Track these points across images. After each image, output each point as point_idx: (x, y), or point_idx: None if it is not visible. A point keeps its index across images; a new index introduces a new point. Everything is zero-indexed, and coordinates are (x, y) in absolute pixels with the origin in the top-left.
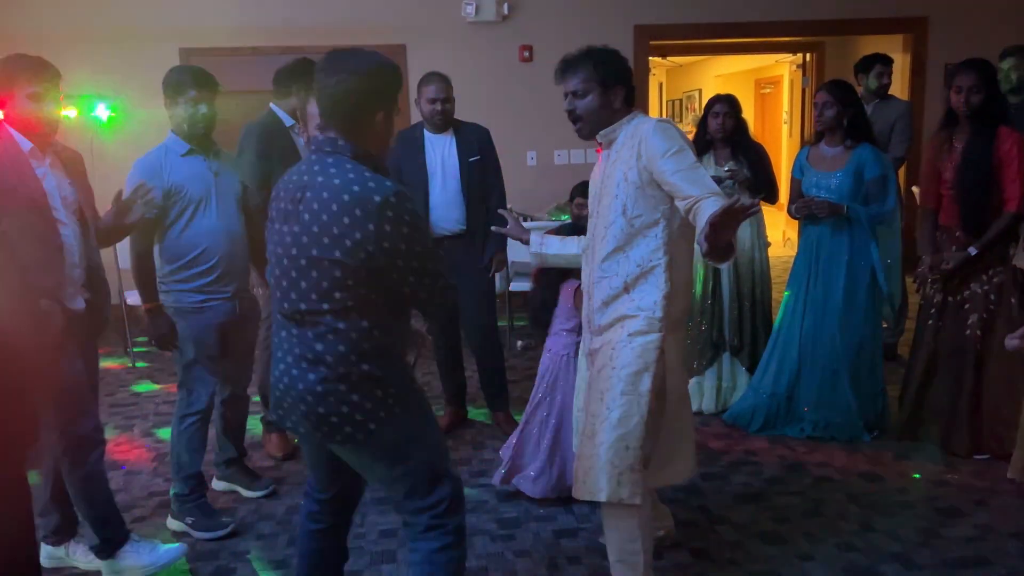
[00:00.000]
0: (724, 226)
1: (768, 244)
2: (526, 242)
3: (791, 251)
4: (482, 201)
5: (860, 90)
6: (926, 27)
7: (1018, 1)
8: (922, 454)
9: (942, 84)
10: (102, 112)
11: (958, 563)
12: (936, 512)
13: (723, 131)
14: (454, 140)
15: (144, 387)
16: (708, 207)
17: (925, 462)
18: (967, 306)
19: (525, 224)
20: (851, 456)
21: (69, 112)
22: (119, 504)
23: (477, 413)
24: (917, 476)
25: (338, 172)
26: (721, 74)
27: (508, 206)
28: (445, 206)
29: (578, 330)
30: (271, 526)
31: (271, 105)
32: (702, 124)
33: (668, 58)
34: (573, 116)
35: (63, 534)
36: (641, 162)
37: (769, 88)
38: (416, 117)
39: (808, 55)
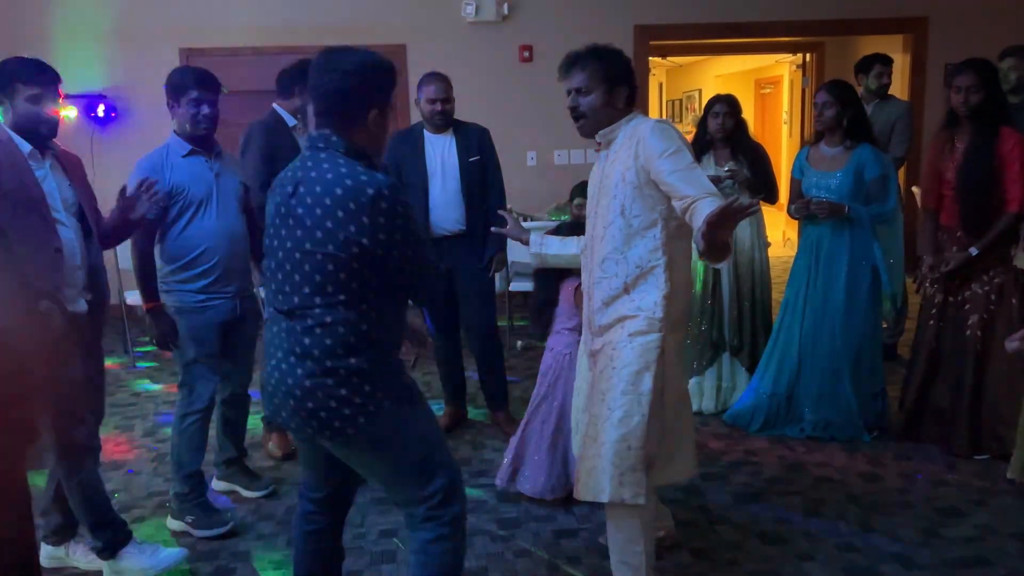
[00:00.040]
0: (721, 226)
1: (768, 244)
2: (525, 242)
3: (791, 251)
4: (482, 201)
5: (860, 90)
6: (926, 27)
7: (1018, 1)
8: (922, 454)
9: (942, 84)
10: (102, 112)
11: (958, 563)
12: (936, 512)
13: (723, 131)
14: (454, 140)
15: (144, 387)
16: (704, 207)
17: (925, 462)
18: (967, 306)
19: (525, 224)
20: (851, 456)
21: (69, 112)
22: (119, 504)
23: (477, 413)
24: (918, 476)
25: (331, 167)
26: (721, 74)
27: (508, 206)
28: (445, 206)
29: (579, 329)
30: (271, 526)
31: (274, 105)
32: (702, 124)
33: (668, 58)
34: (576, 113)
35: (63, 534)
36: (639, 162)
37: (769, 88)
38: (416, 117)
39: (808, 55)
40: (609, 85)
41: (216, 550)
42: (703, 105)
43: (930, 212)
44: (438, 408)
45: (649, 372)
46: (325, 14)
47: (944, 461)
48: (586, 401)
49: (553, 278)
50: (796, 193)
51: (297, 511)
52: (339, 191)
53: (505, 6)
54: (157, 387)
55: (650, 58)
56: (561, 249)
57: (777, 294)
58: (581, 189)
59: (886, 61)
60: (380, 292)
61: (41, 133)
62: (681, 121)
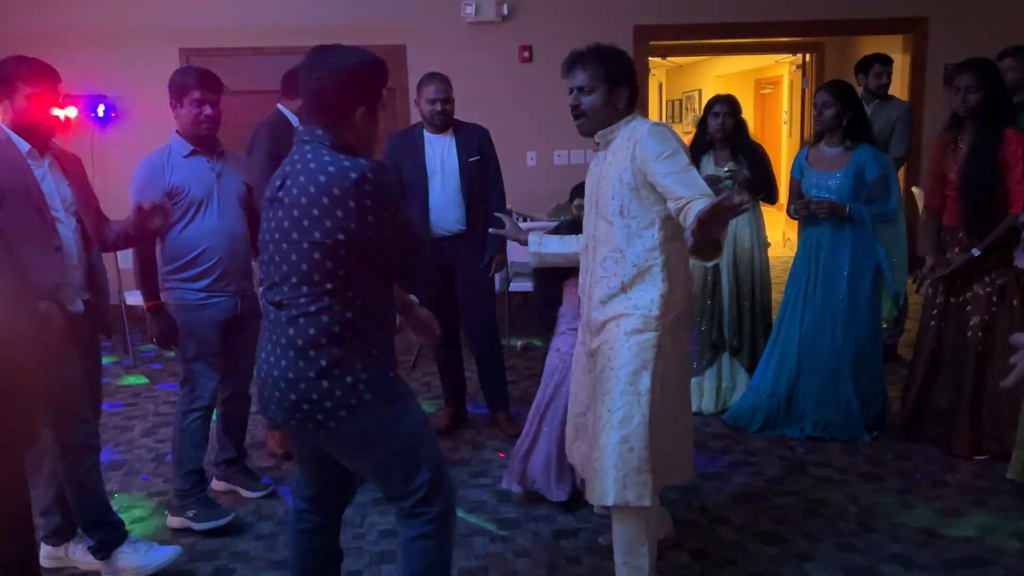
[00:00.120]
0: (712, 222)
1: (768, 244)
2: (524, 242)
3: (791, 251)
4: (482, 201)
5: (860, 90)
6: (926, 27)
7: (1018, 1)
8: (922, 454)
9: (942, 84)
10: (102, 112)
11: (958, 563)
12: (936, 512)
13: (723, 131)
14: (454, 140)
15: (144, 387)
16: (698, 207)
17: (925, 462)
18: (969, 307)
19: (525, 224)
20: (851, 456)
21: (69, 112)
22: (119, 504)
23: (477, 413)
24: (918, 476)
25: (314, 157)
26: (721, 74)
27: (508, 206)
28: (445, 206)
29: None
30: (271, 526)
31: (278, 105)
32: (702, 124)
33: (668, 58)
34: (577, 112)
35: (63, 534)
36: (636, 164)
37: (769, 88)
38: (416, 117)
39: (808, 55)
40: (611, 85)
41: (216, 550)
42: (703, 105)
43: (933, 213)
44: (438, 408)
45: (647, 371)
46: (325, 14)
47: (944, 461)
48: (587, 403)
49: (553, 277)
50: (796, 193)
51: (292, 510)
52: (323, 178)
53: (505, 6)
54: (157, 387)
55: (650, 58)
56: (560, 248)
57: (777, 294)
58: (581, 189)
59: (885, 61)
60: (368, 280)
61: (40, 132)
62: (681, 121)
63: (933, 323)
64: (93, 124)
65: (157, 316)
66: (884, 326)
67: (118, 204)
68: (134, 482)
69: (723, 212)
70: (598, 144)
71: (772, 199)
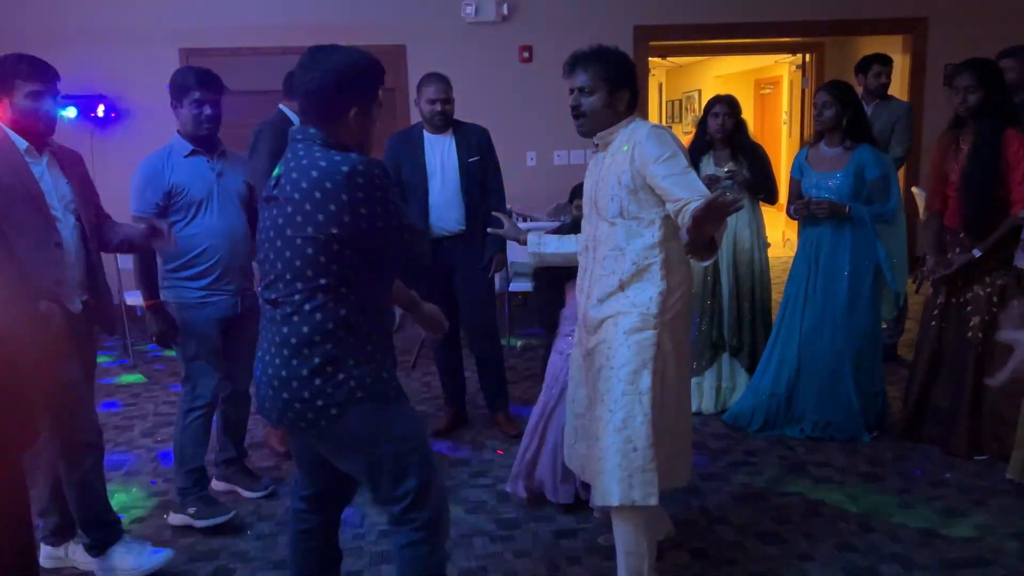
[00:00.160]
0: (706, 220)
1: (768, 245)
2: (523, 242)
3: (791, 251)
4: (482, 201)
5: (860, 91)
6: (926, 27)
7: (1018, 1)
8: (922, 454)
9: (942, 84)
10: (102, 112)
11: (958, 563)
12: (936, 512)
13: (723, 132)
14: (453, 140)
15: (144, 387)
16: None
17: (925, 462)
18: (969, 308)
19: (524, 224)
20: (851, 456)
21: (69, 112)
22: (119, 504)
23: (477, 413)
24: (918, 474)
25: (306, 154)
26: (721, 75)
27: (508, 206)
28: (444, 206)
29: None
30: (271, 526)
31: (280, 106)
32: (702, 125)
33: (668, 59)
34: (577, 112)
35: (63, 535)
36: (635, 166)
37: (769, 89)
38: (416, 117)
39: (808, 56)
40: (611, 87)
41: (216, 550)
42: (703, 106)
43: (935, 213)
44: (438, 409)
45: (647, 369)
46: (325, 14)
47: (944, 461)
48: (585, 404)
49: (554, 280)
50: (795, 193)
51: (291, 510)
52: (314, 173)
53: (505, 6)
54: (157, 387)
55: (650, 58)
56: (559, 247)
57: (777, 294)
58: (581, 190)
59: (884, 61)
60: (363, 276)
61: (39, 130)
62: (681, 121)
63: (934, 323)
64: (93, 124)
65: (157, 315)
66: (884, 326)
67: (118, 204)
68: (134, 482)
69: (717, 210)
70: (597, 146)
71: (772, 199)
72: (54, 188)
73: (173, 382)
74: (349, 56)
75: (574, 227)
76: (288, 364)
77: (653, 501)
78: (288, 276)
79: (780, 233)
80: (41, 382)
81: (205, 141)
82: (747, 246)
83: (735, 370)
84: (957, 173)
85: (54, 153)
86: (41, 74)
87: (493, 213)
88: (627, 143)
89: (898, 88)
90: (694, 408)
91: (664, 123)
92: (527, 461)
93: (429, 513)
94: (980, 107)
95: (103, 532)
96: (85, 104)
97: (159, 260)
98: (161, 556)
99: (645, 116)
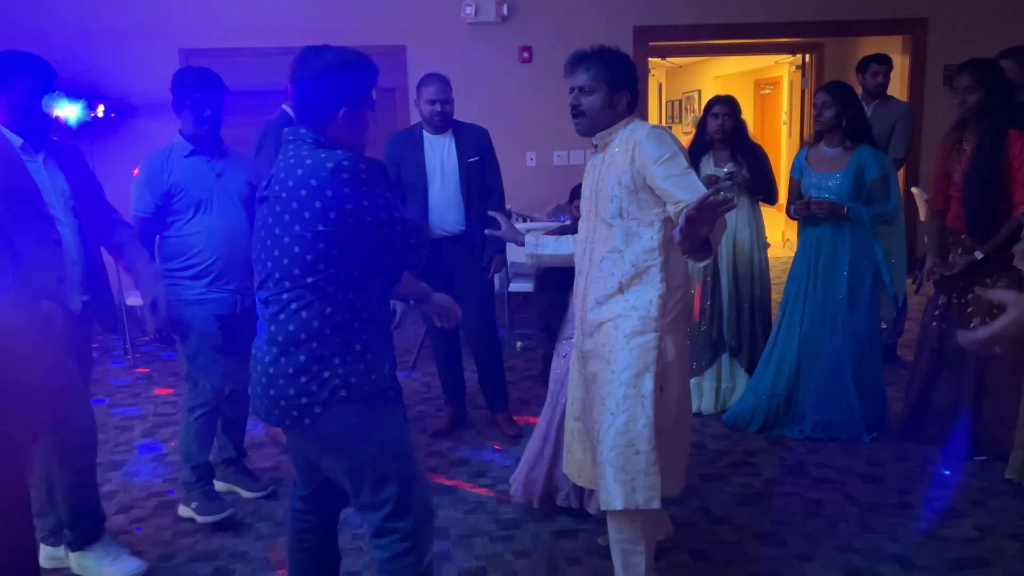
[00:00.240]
0: (700, 220)
1: (767, 245)
2: (521, 243)
3: (790, 252)
4: (481, 202)
5: (860, 91)
6: (926, 28)
7: (1018, 1)
8: (922, 454)
9: (942, 85)
10: (102, 112)
11: (957, 564)
12: (936, 513)
13: (722, 132)
14: (453, 141)
15: (144, 387)
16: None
17: (925, 462)
18: (970, 309)
19: (524, 225)
20: (851, 456)
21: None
22: (118, 504)
23: (477, 413)
24: (917, 472)
25: (295, 154)
26: (720, 75)
27: (507, 207)
28: (444, 207)
29: None
30: (271, 526)
31: (283, 106)
32: (701, 125)
33: (667, 59)
34: (576, 111)
35: (61, 534)
36: (635, 167)
37: (768, 89)
38: (416, 118)
39: (807, 56)
40: (612, 88)
41: (216, 550)
42: (702, 106)
43: (937, 214)
44: (438, 409)
45: (649, 372)
46: (325, 14)
47: (944, 462)
48: (580, 407)
49: (559, 284)
50: (795, 194)
51: (289, 510)
52: (300, 171)
53: (505, 7)
54: (157, 388)
55: (649, 59)
56: (557, 248)
57: (776, 294)
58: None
59: (881, 60)
60: (352, 274)
61: (35, 127)
62: (680, 122)
63: (934, 324)
64: (93, 124)
65: (156, 313)
66: (884, 327)
67: (118, 204)
68: (134, 482)
69: (710, 210)
70: (596, 146)
71: (772, 200)
72: (52, 186)
73: (173, 382)
74: (338, 56)
75: (575, 228)
76: (276, 362)
77: (656, 504)
78: (277, 275)
79: (780, 233)
80: (41, 382)
81: (206, 141)
82: (747, 246)
83: (735, 370)
84: (960, 173)
85: (51, 150)
86: (38, 71)
87: (490, 214)
88: (625, 144)
89: (898, 88)
90: (694, 408)
91: (664, 123)
92: (543, 468)
93: (411, 523)
94: (981, 107)
95: (87, 529)
96: (85, 104)
97: (158, 259)
98: (133, 565)
99: (645, 116)
